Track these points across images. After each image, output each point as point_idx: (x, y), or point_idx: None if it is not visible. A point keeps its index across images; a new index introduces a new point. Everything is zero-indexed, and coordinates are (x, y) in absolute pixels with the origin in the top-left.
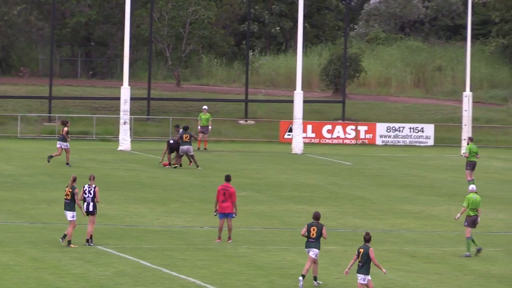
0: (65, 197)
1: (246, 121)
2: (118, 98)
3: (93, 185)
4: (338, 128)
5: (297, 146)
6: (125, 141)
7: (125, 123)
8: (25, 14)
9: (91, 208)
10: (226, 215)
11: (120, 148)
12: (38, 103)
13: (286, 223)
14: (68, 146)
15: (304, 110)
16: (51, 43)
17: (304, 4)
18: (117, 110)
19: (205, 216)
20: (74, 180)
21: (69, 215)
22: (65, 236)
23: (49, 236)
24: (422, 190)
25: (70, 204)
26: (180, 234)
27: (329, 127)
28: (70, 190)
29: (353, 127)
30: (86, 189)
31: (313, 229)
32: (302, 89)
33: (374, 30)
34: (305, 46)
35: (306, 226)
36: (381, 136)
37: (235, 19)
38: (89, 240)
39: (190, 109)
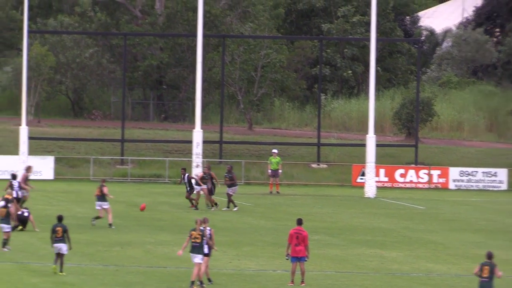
0: (194, 240)
1: (318, 164)
2: (190, 141)
3: (208, 228)
4: (411, 172)
5: (370, 190)
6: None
7: (197, 166)
8: (97, 57)
9: (206, 250)
10: (299, 258)
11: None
12: (111, 145)
13: (359, 267)
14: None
15: (377, 154)
16: (123, 86)
17: (376, 48)
18: (189, 153)
19: (278, 260)
20: (200, 223)
21: (198, 258)
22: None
23: (122, 279)
24: (495, 235)
25: (199, 247)
26: (253, 277)
27: (402, 171)
28: (200, 233)
29: (426, 171)
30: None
31: (486, 268)
32: (375, 132)
33: (446, 74)
34: (377, 90)
35: (479, 265)
36: (454, 181)
37: (307, 63)
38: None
39: (262, 152)
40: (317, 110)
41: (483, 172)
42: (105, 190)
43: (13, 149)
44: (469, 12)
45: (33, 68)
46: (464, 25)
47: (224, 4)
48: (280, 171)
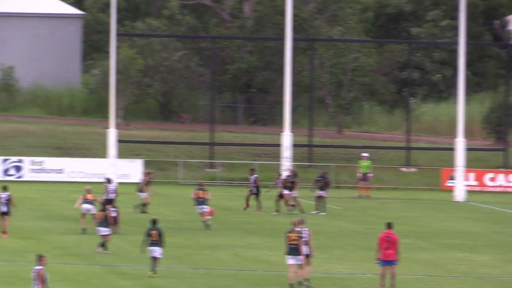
0: (291, 242)
1: (407, 168)
2: (280, 145)
3: (305, 228)
4: (501, 176)
5: (460, 194)
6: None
7: (286, 170)
8: (185, 60)
9: (306, 251)
10: (388, 262)
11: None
12: (199, 149)
13: (449, 270)
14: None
15: (466, 157)
16: (211, 89)
17: (465, 52)
18: (278, 156)
19: (368, 263)
20: (296, 224)
21: (296, 259)
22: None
23: (211, 282)
24: None
25: (296, 249)
26: (343, 281)
27: (491, 175)
28: (297, 235)
29: None
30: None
31: None
32: (464, 136)
33: None
34: (466, 94)
35: None
36: None
37: (396, 66)
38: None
39: (351, 156)
40: (406, 114)
41: None
42: (207, 194)
43: (101, 152)
44: None
45: (121, 71)
46: None
47: (313, 8)
48: (370, 174)
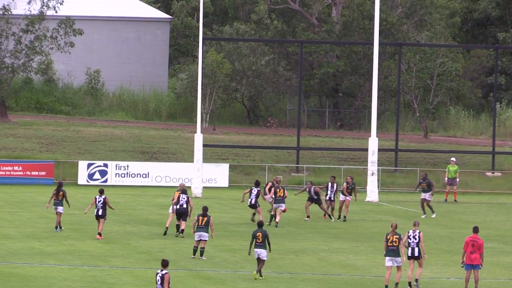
0: (391, 244)
1: (493, 173)
2: (366, 149)
3: (417, 231)
4: None
5: None
6: (372, 192)
7: (372, 174)
8: (273, 65)
9: (416, 253)
10: (473, 266)
11: (367, 199)
12: (286, 153)
13: None
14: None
15: None
16: (298, 94)
17: None
18: (364, 161)
19: (452, 267)
20: (396, 227)
21: (395, 261)
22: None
23: (296, 286)
24: None
25: (396, 251)
26: (427, 285)
27: None
28: (397, 237)
29: None
30: (410, 235)
31: None
32: None
33: None
34: None
35: None
36: None
37: (482, 71)
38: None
39: (437, 160)
40: (492, 119)
41: None
42: (284, 192)
43: (187, 157)
44: None
45: (208, 76)
46: None
47: (401, 12)
48: (457, 179)
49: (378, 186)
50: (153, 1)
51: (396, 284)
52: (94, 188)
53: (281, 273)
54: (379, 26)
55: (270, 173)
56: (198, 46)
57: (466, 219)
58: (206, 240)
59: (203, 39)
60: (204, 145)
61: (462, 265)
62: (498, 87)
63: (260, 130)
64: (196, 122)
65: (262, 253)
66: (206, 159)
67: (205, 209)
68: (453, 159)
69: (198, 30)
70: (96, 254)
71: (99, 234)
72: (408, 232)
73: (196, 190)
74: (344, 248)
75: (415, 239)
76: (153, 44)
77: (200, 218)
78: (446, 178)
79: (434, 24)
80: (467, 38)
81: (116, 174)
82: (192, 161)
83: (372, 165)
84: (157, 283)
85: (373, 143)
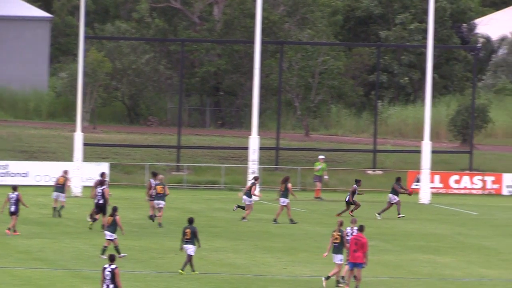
0: (334, 241)
1: (374, 171)
2: (247, 148)
3: (355, 228)
4: (465, 179)
5: (425, 196)
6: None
7: (253, 172)
8: (153, 63)
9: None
10: (356, 264)
11: None
12: (166, 152)
13: (413, 272)
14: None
15: (432, 160)
16: (179, 92)
17: (433, 55)
18: (245, 159)
19: (333, 266)
20: (341, 224)
21: (338, 258)
22: (328, 277)
23: (176, 286)
24: None
25: (339, 248)
26: (308, 283)
27: (456, 177)
28: (339, 234)
29: (480, 177)
30: (348, 232)
31: None
32: (430, 139)
33: (501, 81)
34: (433, 97)
35: None
36: (507, 187)
37: (364, 70)
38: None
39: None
40: (373, 117)
41: None
42: (166, 189)
43: (67, 156)
44: None
45: (89, 74)
46: None
47: (283, 11)
48: (326, 177)
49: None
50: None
51: (328, 277)
52: None
53: (161, 272)
54: (261, 25)
55: (150, 172)
56: (79, 44)
57: (348, 217)
58: (111, 240)
59: (84, 37)
60: (84, 144)
61: (346, 263)
62: (379, 85)
63: (140, 129)
64: (76, 121)
65: (190, 248)
66: (87, 158)
67: (114, 209)
68: (321, 156)
69: (79, 29)
70: None
71: (8, 229)
72: (346, 229)
73: (76, 189)
74: (225, 246)
75: (348, 236)
76: (33, 43)
77: (109, 218)
78: (316, 176)
79: (316, 23)
80: (349, 36)
81: None
82: (72, 160)
83: (253, 164)
84: (105, 279)
85: (254, 141)
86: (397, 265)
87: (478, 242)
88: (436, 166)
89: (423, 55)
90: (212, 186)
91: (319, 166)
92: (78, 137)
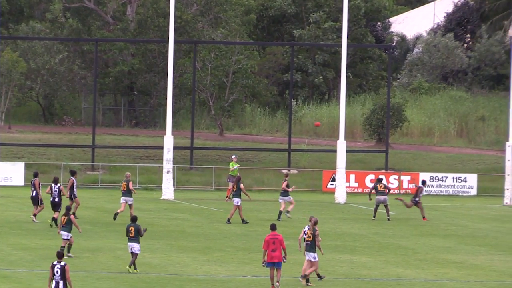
0: (307, 238)
1: (289, 170)
2: (161, 147)
3: (315, 228)
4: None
5: (340, 195)
6: (168, 190)
7: (168, 172)
8: (67, 63)
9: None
10: (274, 264)
11: (163, 197)
12: (81, 152)
13: (329, 272)
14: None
15: (347, 159)
16: (94, 92)
17: (347, 54)
18: (160, 159)
19: (248, 265)
20: (316, 223)
21: (311, 255)
22: (305, 276)
23: (92, 285)
24: (464, 239)
25: (311, 245)
26: (223, 283)
27: (372, 176)
28: (312, 232)
29: (396, 176)
30: (305, 230)
31: None
32: (345, 138)
33: (417, 80)
34: (348, 96)
35: None
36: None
37: (278, 69)
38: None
39: None
40: (288, 116)
41: (453, 178)
42: (130, 185)
43: None
44: (440, 18)
45: (3, 74)
46: (434, 31)
47: (196, 10)
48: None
49: (173, 184)
50: None
51: (303, 276)
52: None
53: (77, 271)
54: (174, 24)
55: (65, 171)
56: None
57: (262, 216)
58: (67, 239)
59: None
60: None
61: (264, 264)
62: (294, 84)
63: (55, 128)
64: None
65: (135, 246)
66: (2, 157)
67: (67, 208)
68: (234, 156)
69: None
70: None
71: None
72: (304, 228)
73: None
74: (140, 246)
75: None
76: None
77: (63, 217)
78: (228, 176)
79: (229, 22)
80: (262, 36)
81: None
82: None
83: (168, 163)
84: (55, 275)
85: (168, 141)
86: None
87: (395, 242)
88: (351, 166)
89: (337, 54)
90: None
91: (235, 166)
92: None
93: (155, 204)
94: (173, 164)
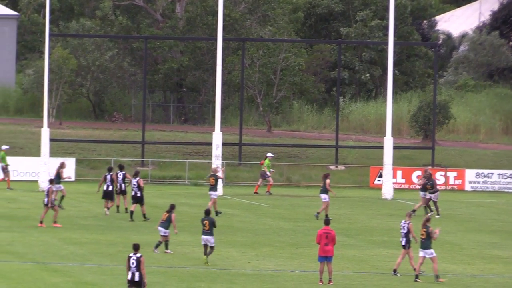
0: (421, 236)
1: (336, 166)
2: (210, 144)
3: (408, 221)
4: None
5: (387, 191)
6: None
7: (217, 167)
8: (117, 60)
9: (403, 243)
10: (327, 258)
11: None
12: (131, 147)
13: (377, 267)
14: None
15: (394, 156)
16: (143, 89)
17: (394, 52)
18: (209, 155)
19: (296, 260)
20: (428, 220)
21: (428, 252)
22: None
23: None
24: (511, 235)
25: (427, 242)
26: (272, 277)
27: (418, 173)
28: (425, 230)
29: (443, 173)
30: (401, 225)
31: None
32: (392, 135)
33: (463, 77)
34: (394, 93)
35: None
36: (470, 182)
37: (325, 66)
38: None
39: (281, 154)
40: (335, 113)
41: (498, 174)
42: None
43: (34, 151)
44: (485, 16)
45: (54, 71)
46: (480, 29)
47: (244, 8)
48: (268, 173)
49: (222, 180)
50: None
51: (436, 276)
52: None
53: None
54: (223, 22)
55: (116, 167)
56: (44, 42)
57: (310, 212)
58: (165, 236)
59: (50, 35)
60: (50, 140)
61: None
62: (341, 81)
63: (105, 124)
64: (43, 117)
65: (210, 239)
66: (53, 153)
67: (171, 206)
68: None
69: (45, 27)
70: None
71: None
72: (401, 222)
73: (43, 184)
74: (189, 241)
75: (404, 229)
76: (0, 41)
77: (164, 214)
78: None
79: (277, 19)
80: (310, 33)
81: None
82: (39, 156)
83: (217, 159)
84: (131, 266)
85: (217, 137)
86: (361, 260)
87: (441, 237)
88: (398, 162)
89: (384, 51)
90: (176, 181)
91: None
92: (45, 133)
93: (204, 200)
94: (222, 160)
